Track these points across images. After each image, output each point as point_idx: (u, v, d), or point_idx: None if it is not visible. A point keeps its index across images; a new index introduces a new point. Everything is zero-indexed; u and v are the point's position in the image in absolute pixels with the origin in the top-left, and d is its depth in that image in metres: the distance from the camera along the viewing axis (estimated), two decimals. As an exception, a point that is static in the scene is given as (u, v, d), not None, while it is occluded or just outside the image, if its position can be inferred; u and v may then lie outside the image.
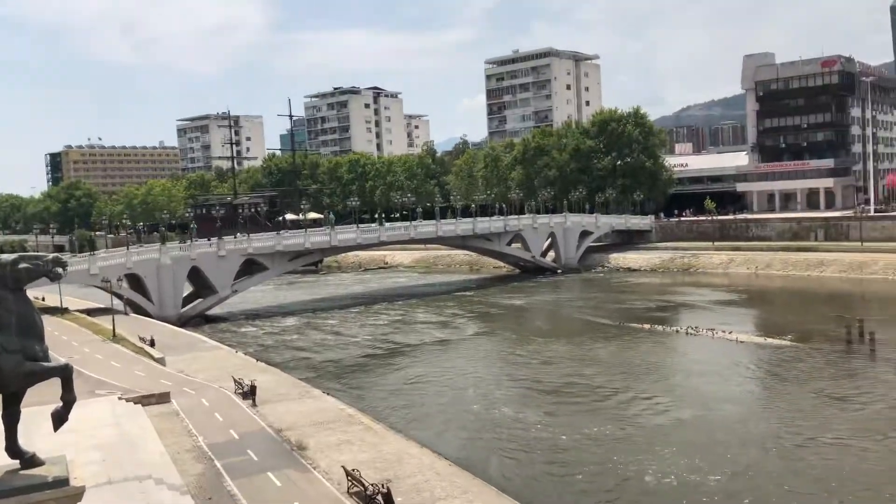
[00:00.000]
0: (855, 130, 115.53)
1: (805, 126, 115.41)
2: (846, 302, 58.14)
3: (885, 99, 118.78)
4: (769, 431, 28.66)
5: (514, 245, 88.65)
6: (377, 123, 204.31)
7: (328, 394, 34.78)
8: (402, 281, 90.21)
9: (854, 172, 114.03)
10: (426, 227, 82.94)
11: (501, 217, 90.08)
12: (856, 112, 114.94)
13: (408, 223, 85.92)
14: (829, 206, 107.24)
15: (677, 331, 49.39)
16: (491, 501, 21.51)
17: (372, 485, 20.68)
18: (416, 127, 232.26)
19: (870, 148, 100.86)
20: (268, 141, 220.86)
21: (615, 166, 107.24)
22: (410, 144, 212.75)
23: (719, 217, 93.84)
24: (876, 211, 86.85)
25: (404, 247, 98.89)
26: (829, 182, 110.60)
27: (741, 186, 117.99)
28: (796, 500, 22.20)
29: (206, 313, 65.32)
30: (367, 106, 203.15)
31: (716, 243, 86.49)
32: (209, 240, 68.25)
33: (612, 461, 25.75)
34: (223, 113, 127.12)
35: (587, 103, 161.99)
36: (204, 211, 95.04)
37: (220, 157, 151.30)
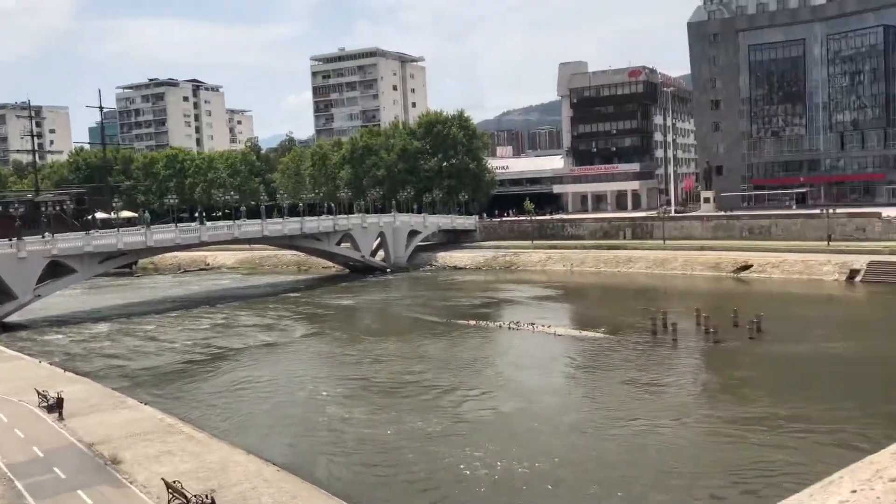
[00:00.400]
0: (658, 137, 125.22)
1: (614, 132, 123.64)
2: (651, 295, 62.80)
3: (683, 108, 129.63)
4: (583, 419, 30.42)
5: (343, 245, 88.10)
6: (197, 118, 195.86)
7: (145, 403, 32.87)
8: (226, 283, 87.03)
9: (657, 176, 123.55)
10: (251, 227, 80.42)
11: (330, 216, 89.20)
12: (658, 120, 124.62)
13: (231, 222, 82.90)
14: (636, 207, 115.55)
15: (500, 326, 51.24)
16: (321, 504, 21.21)
17: (195, 496, 19.75)
18: (240, 122, 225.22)
19: (670, 153, 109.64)
20: (75, 134, 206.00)
21: (441, 167, 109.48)
22: (233, 140, 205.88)
23: (538, 217, 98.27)
24: (676, 212, 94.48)
25: (227, 247, 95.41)
26: (635, 185, 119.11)
27: (557, 188, 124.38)
28: (602, 482, 23.62)
29: (3, 321, 59.61)
30: (185, 99, 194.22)
31: (535, 242, 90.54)
32: (10, 240, 62.22)
33: (439, 455, 26.26)
34: (22, 102, 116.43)
35: (413, 105, 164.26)
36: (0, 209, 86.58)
37: (18, 151, 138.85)
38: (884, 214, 71.87)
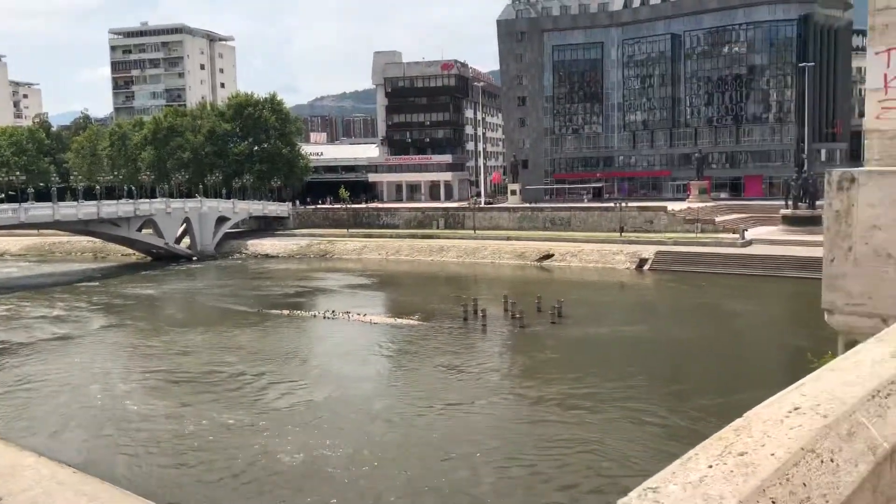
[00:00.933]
0: (469, 130, 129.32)
1: (428, 123, 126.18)
2: (463, 283, 64.87)
3: (493, 103, 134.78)
4: (395, 404, 30.93)
5: (145, 231, 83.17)
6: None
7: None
8: (10, 271, 79.38)
9: (468, 168, 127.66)
10: (40, 210, 73.78)
11: (131, 200, 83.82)
12: (469, 113, 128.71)
13: (17, 205, 75.53)
14: (448, 197, 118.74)
15: (315, 315, 50.77)
16: (123, 505, 20.02)
17: (-25, 505, 17.93)
18: (26, 96, 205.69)
19: (480, 147, 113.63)
20: None
21: (252, 151, 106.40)
22: (18, 116, 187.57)
23: (353, 206, 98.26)
24: (486, 203, 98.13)
25: (12, 232, 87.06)
26: (447, 176, 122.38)
27: (373, 177, 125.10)
28: (410, 464, 24.24)
29: None
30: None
31: (350, 230, 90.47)
32: None
33: (247, 447, 25.64)
34: None
35: (222, 85, 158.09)
36: None
37: None
38: (669, 208, 78.79)
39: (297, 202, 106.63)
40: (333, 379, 35.06)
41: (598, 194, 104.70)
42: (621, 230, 75.89)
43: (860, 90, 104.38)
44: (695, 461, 1.72)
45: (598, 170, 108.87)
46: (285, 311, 51.74)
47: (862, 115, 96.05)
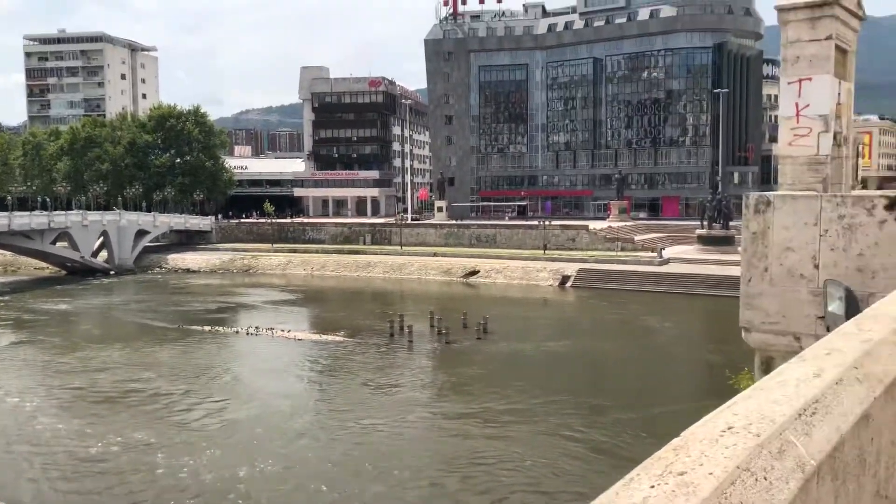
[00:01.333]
0: (396, 147, 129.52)
1: (355, 139, 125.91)
2: (389, 299, 64.69)
3: (420, 121, 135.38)
4: (317, 420, 30.63)
5: (60, 244, 79.95)
6: None
7: None
8: None
9: (395, 184, 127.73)
10: (-56, 222, 70.19)
11: (45, 212, 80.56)
12: (397, 130, 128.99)
13: (-82, 216, 71.75)
14: (375, 213, 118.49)
15: (238, 331, 49.69)
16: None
17: None
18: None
19: (407, 163, 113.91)
20: None
21: (174, 164, 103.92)
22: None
23: (278, 220, 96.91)
24: (412, 219, 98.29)
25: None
26: (375, 192, 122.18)
27: (298, 191, 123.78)
28: (328, 479, 23.99)
29: None
30: None
31: (275, 245, 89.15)
32: None
33: (161, 466, 24.90)
34: None
35: (144, 96, 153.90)
36: None
37: None
38: (590, 227, 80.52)
39: (221, 216, 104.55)
40: (256, 396, 34.38)
41: (522, 212, 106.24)
42: (545, 248, 77.10)
43: (771, 116, 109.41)
44: (637, 482, 1.80)
45: (523, 188, 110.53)
46: (207, 328, 50.50)
47: (772, 140, 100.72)
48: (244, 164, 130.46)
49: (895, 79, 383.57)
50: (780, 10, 9.61)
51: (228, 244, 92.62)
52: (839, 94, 9.82)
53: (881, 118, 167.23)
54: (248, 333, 48.57)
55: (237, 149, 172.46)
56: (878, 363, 2.81)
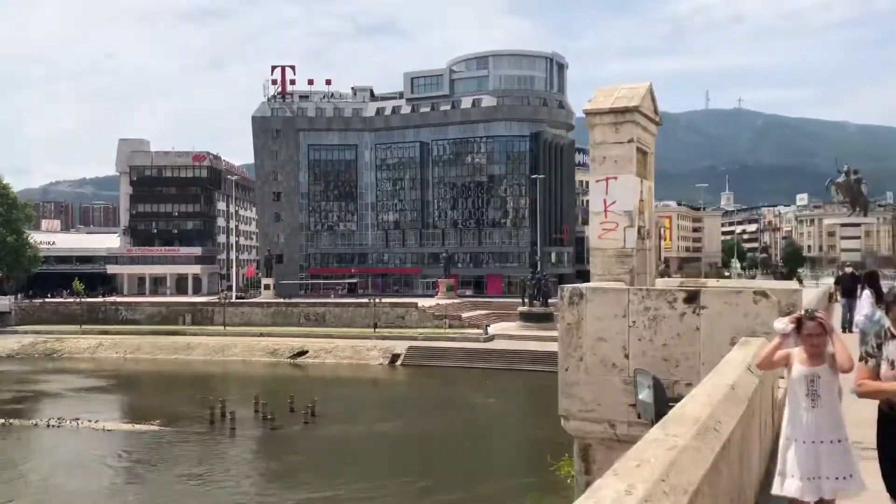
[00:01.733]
0: (220, 222, 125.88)
1: (177, 214, 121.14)
2: (211, 383, 61.49)
3: (246, 196, 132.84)
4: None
5: None
6: None
7: None
8: None
9: (219, 261, 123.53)
10: None
11: None
12: (221, 205, 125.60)
13: None
14: (197, 291, 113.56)
15: (37, 424, 45.09)
16: None
17: None
18: None
19: (233, 239, 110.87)
20: None
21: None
22: None
23: (88, 299, 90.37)
24: (237, 297, 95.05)
25: None
26: (196, 269, 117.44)
27: (112, 268, 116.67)
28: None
29: None
30: None
31: (84, 326, 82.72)
32: None
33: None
34: None
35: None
36: None
37: None
38: (420, 304, 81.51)
39: (22, 296, 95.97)
40: (55, 495, 31.21)
41: (352, 290, 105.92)
42: (375, 325, 76.97)
43: (582, 200, 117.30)
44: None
45: (353, 266, 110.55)
46: (0, 421, 45.48)
47: (584, 222, 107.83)
48: (52, 239, 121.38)
49: (690, 168, 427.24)
50: (588, 113, 10.42)
51: (30, 326, 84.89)
52: (641, 191, 10.70)
53: (679, 204, 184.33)
54: (48, 426, 44.20)
55: (44, 222, 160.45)
56: (682, 474, 2.97)
